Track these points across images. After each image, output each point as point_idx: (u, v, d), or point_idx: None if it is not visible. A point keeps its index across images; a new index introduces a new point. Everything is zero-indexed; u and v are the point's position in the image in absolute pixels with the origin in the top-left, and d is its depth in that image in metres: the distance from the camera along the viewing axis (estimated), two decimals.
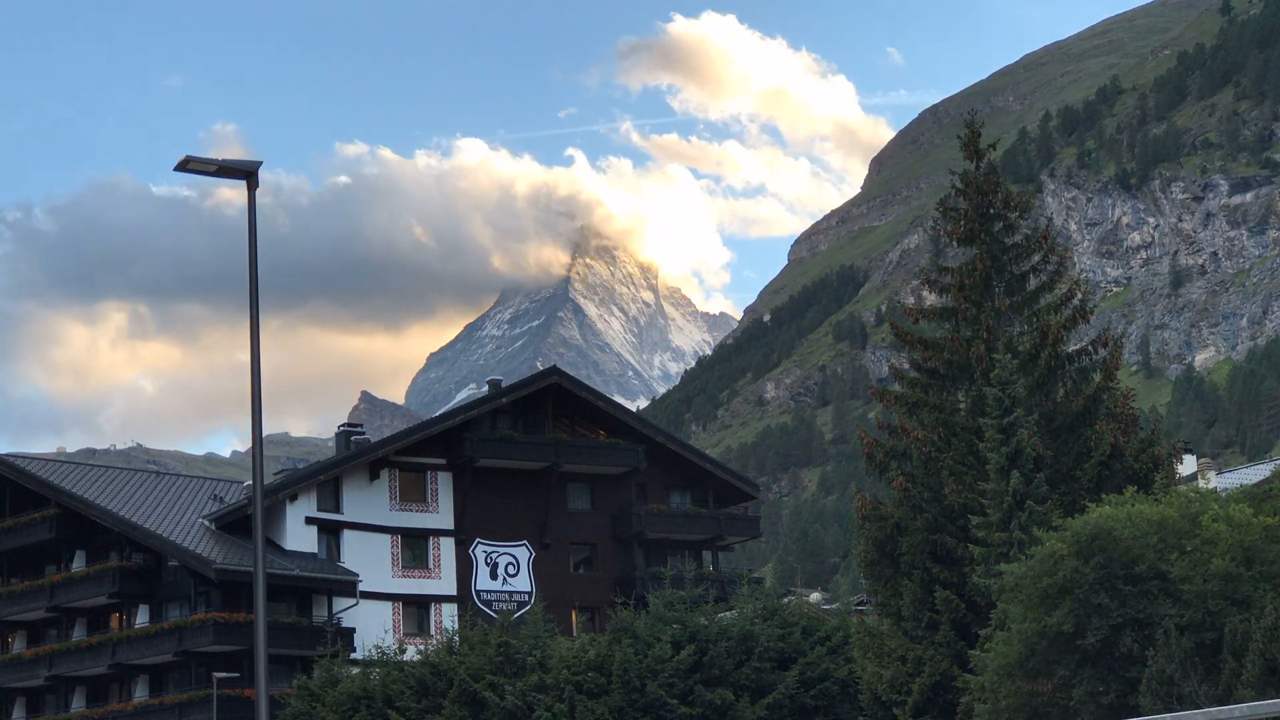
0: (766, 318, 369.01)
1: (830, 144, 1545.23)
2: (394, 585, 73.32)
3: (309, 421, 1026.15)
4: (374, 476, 74.02)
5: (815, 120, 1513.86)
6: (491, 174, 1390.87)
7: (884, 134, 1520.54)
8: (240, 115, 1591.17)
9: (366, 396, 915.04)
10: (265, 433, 26.06)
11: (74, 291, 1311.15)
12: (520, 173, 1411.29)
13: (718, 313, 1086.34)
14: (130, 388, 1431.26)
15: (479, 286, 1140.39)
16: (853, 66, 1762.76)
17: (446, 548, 75.09)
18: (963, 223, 42.30)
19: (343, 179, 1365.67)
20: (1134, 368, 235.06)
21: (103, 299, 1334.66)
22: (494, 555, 76.04)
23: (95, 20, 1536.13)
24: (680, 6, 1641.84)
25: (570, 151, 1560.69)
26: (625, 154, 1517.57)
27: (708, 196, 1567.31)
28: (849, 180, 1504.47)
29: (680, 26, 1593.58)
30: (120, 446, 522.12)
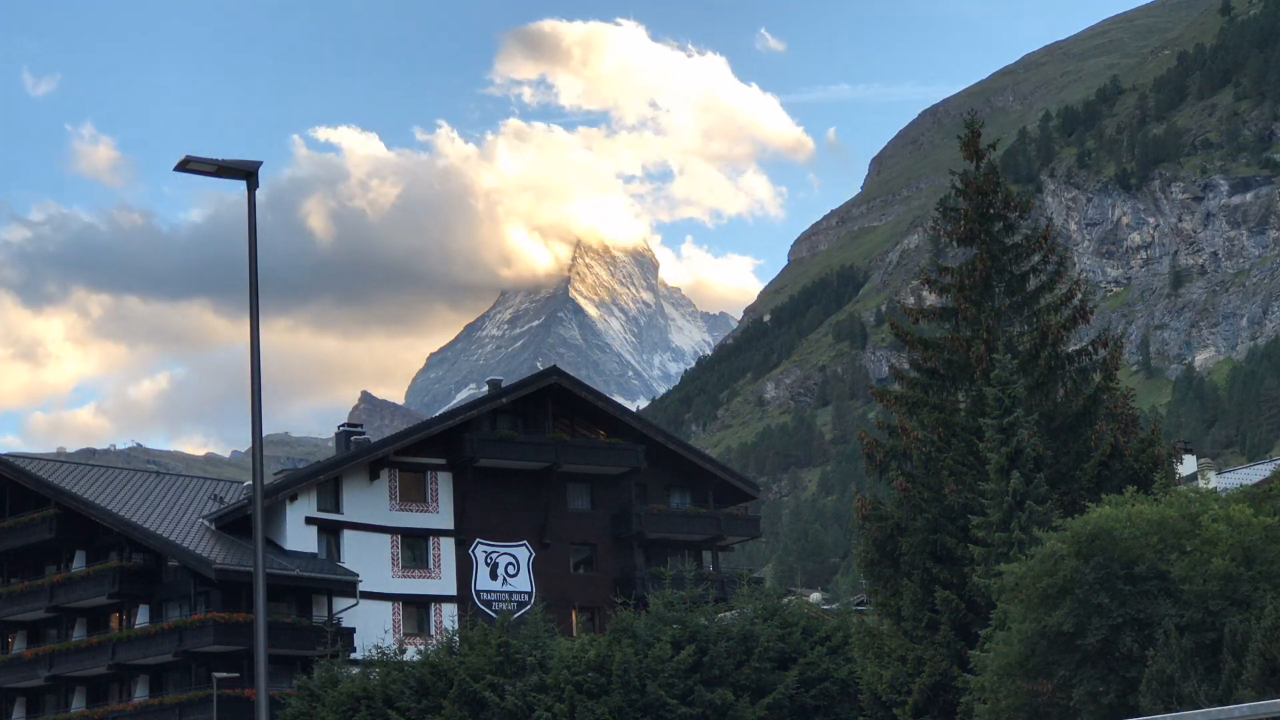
0: (766, 318, 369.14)
1: (716, 124, 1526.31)
2: (394, 585, 73.32)
3: (309, 421, 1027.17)
4: (374, 476, 74.03)
5: (696, 104, 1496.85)
6: (375, 166, 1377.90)
7: (775, 115, 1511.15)
8: (109, 121, 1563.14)
9: (366, 396, 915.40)
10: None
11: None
12: (418, 164, 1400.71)
13: (688, 281, 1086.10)
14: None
15: (479, 286, 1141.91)
16: (727, 51, 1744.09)
17: (446, 548, 75.10)
18: (963, 223, 42.31)
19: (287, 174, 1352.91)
20: (1134, 368, 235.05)
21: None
22: (494, 555, 76.04)
23: None
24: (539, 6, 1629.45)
25: (473, 143, 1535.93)
26: (523, 146, 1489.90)
27: (624, 182, 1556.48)
28: (756, 167, 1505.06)
29: (545, 23, 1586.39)
30: (120, 446, 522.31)
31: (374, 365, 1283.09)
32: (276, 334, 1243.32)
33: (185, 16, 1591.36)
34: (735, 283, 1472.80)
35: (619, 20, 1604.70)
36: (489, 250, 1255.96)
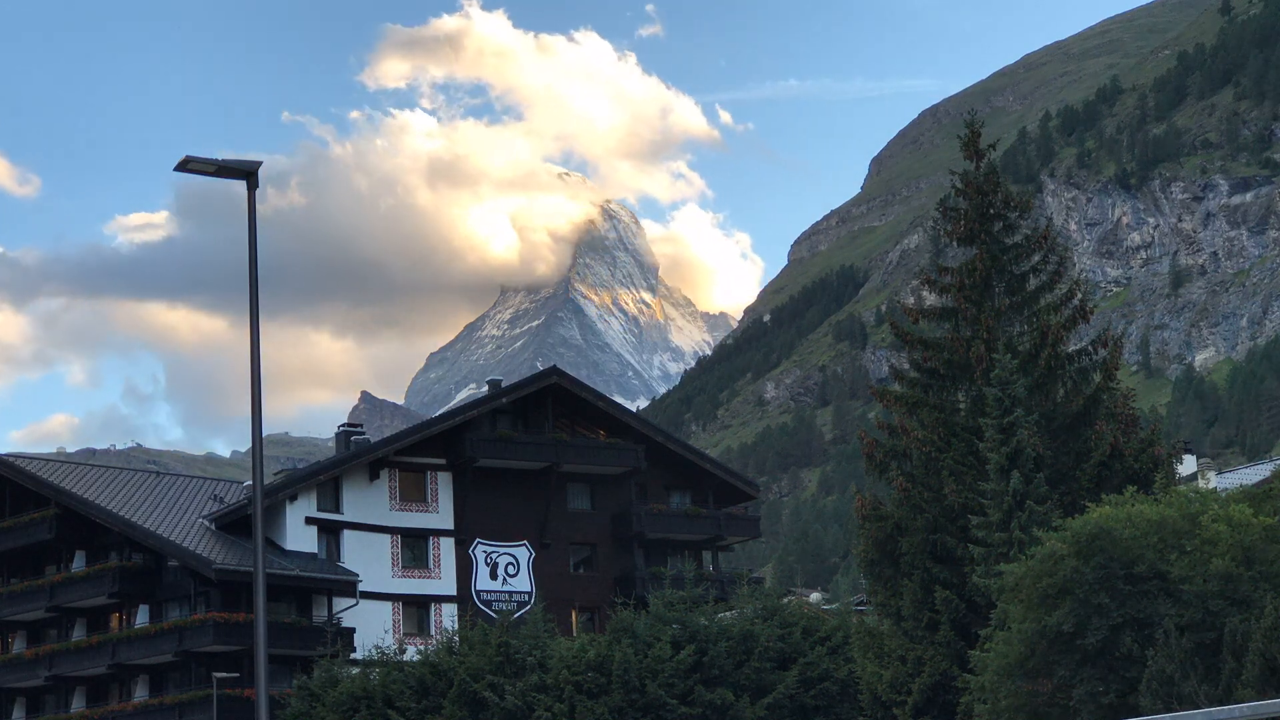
0: (766, 318, 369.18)
1: (617, 108, 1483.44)
2: (394, 585, 73.32)
3: (309, 422, 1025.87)
4: (374, 476, 74.03)
5: (591, 89, 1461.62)
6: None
7: (672, 99, 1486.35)
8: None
9: (366, 396, 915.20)
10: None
11: None
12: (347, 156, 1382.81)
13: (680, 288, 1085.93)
14: None
15: (479, 286, 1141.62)
16: (603, 32, 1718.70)
17: (446, 548, 75.09)
18: (963, 223, 42.34)
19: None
20: (1134, 368, 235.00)
21: None
22: (494, 555, 76.05)
23: None
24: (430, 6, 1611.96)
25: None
26: (423, 142, 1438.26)
27: (547, 166, 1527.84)
28: (669, 152, 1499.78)
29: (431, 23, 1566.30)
30: (120, 446, 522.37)
31: (373, 365, 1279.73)
32: (286, 333, 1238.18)
33: (65, 26, 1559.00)
34: (713, 248, 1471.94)
35: (470, 12, 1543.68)
36: (441, 245, 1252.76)
